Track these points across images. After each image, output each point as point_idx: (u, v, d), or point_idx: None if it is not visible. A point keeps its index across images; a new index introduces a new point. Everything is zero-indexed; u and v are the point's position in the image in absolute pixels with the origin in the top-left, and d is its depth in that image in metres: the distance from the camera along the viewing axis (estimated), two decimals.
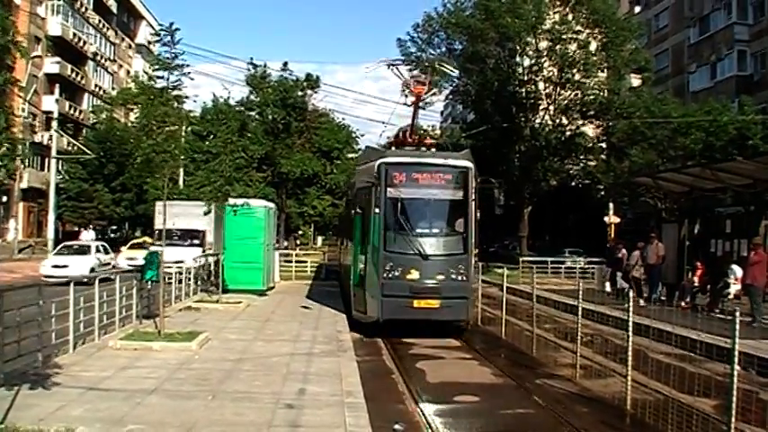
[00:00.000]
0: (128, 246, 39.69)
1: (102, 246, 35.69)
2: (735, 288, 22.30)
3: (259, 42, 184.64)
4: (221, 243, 34.81)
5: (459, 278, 19.36)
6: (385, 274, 19.07)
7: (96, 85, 71.03)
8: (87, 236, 50.95)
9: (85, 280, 17.20)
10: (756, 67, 51.74)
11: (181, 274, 24.84)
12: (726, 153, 37.17)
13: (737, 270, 22.18)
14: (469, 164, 20.29)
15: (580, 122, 52.35)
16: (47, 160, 56.98)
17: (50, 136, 54.42)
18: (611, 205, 50.02)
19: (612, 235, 47.17)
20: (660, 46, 62.22)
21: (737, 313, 9.28)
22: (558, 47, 48.76)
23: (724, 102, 44.72)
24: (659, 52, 61.41)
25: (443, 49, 53.16)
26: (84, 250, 34.23)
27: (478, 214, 20.28)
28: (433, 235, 19.90)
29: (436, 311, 19.21)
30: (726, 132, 40.40)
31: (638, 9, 65.26)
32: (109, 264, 33.42)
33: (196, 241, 34.66)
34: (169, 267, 22.51)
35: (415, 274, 19.08)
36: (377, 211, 19.44)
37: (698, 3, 56.95)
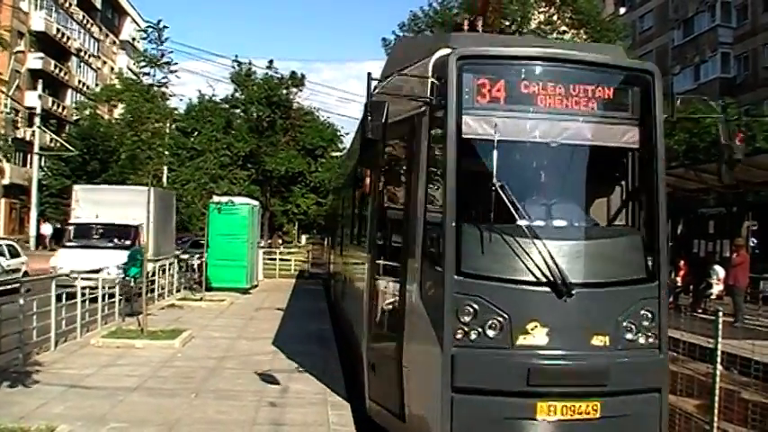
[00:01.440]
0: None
1: (8, 246, 26.70)
2: (717, 288, 22.46)
3: (244, 40, 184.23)
4: (170, 242, 29.74)
5: (644, 340, 8.42)
6: (461, 333, 8.05)
7: (80, 81, 70.60)
8: (45, 229, 50.66)
9: None
10: (740, 70, 52.16)
11: (92, 291, 16.46)
12: (709, 154, 37.34)
13: (720, 270, 22.34)
14: (652, 67, 9.10)
15: None
16: (29, 156, 56.60)
17: (33, 132, 54.07)
18: None
19: None
20: (645, 47, 62.43)
21: (720, 313, 9.31)
22: None
23: (708, 103, 44.99)
24: (644, 53, 61.52)
25: None
26: None
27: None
28: (577, 234, 8.83)
29: (594, 429, 8.12)
30: (709, 134, 40.60)
31: (622, 10, 65.43)
32: (18, 270, 25.57)
33: (125, 241, 24.76)
34: (81, 280, 16.23)
35: (538, 336, 8.01)
36: (436, 172, 8.69)
37: (682, 5, 57.26)
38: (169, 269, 24.80)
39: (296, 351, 14.59)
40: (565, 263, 8.08)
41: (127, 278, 19.89)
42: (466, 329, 7.92)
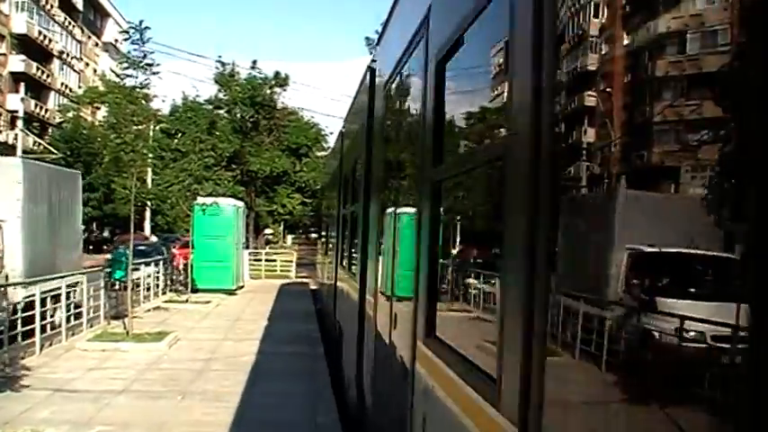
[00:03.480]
0: None
1: None
2: None
3: (229, 40, 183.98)
4: (72, 250, 19.67)
5: None
6: None
7: (62, 84, 70.22)
8: None
9: None
10: None
11: None
12: None
13: None
14: None
15: None
16: None
17: (16, 135, 53.75)
18: None
19: None
20: None
21: None
22: None
23: None
24: None
25: None
26: None
27: None
28: None
29: None
30: None
31: None
32: None
33: None
34: None
35: None
36: None
37: None
38: (66, 300, 15.90)
39: None
40: None
41: (112, 281, 19.84)
42: None
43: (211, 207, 25.96)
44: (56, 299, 15.67)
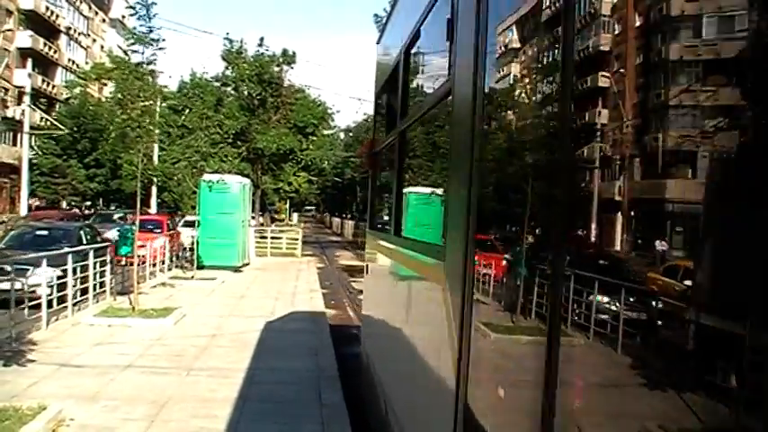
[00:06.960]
0: None
1: None
2: None
3: (236, 17, 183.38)
4: None
5: None
6: None
7: (70, 60, 70.05)
8: None
9: None
10: None
11: None
12: None
13: None
14: None
15: None
16: (19, 135, 56.26)
17: (23, 111, 53.69)
18: None
19: None
20: None
21: None
22: None
23: None
24: None
25: None
26: None
27: None
28: None
29: None
30: None
31: None
32: None
33: None
34: None
35: None
36: None
37: None
38: None
39: None
40: None
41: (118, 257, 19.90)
42: None
43: (218, 184, 25.99)
44: None
